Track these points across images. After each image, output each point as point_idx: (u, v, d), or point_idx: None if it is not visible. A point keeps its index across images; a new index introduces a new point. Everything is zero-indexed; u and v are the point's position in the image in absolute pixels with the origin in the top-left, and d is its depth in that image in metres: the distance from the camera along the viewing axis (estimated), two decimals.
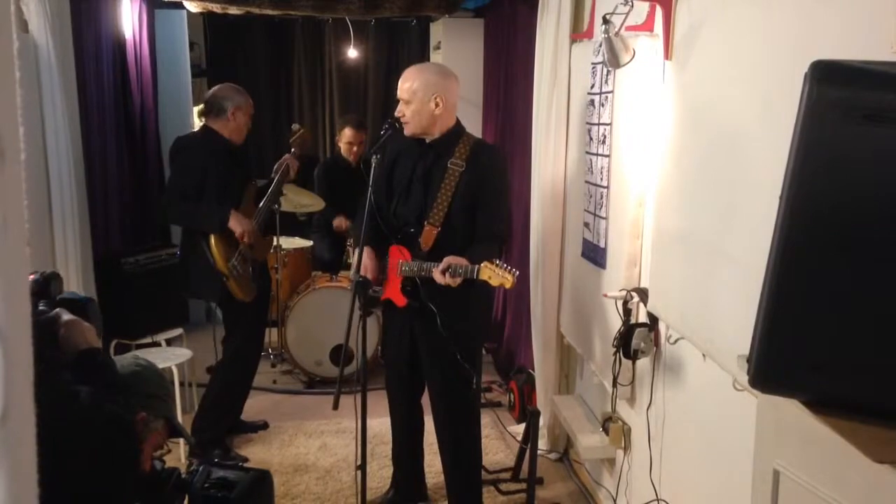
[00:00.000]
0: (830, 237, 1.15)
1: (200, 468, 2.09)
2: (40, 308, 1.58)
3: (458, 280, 2.90)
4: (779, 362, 1.23)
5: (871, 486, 1.14)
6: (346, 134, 5.40)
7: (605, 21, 2.71)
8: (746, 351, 1.46)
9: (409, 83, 3.08)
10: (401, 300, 3.17)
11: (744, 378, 2.01)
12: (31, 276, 1.61)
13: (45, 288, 1.63)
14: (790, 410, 1.32)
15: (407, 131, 3.12)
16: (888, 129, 1.10)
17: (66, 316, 1.46)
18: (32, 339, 1.28)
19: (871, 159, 1.12)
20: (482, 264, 2.85)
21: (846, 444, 1.19)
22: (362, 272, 3.04)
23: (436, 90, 3.05)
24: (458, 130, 3.16)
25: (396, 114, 3.11)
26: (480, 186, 3.09)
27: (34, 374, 1.19)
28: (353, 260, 3.08)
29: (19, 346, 0.46)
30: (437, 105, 3.06)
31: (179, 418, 4.00)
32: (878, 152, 1.11)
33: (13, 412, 0.45)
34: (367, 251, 3.12)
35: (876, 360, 1.16)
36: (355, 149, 5.38)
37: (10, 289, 0.46)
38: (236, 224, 3.76)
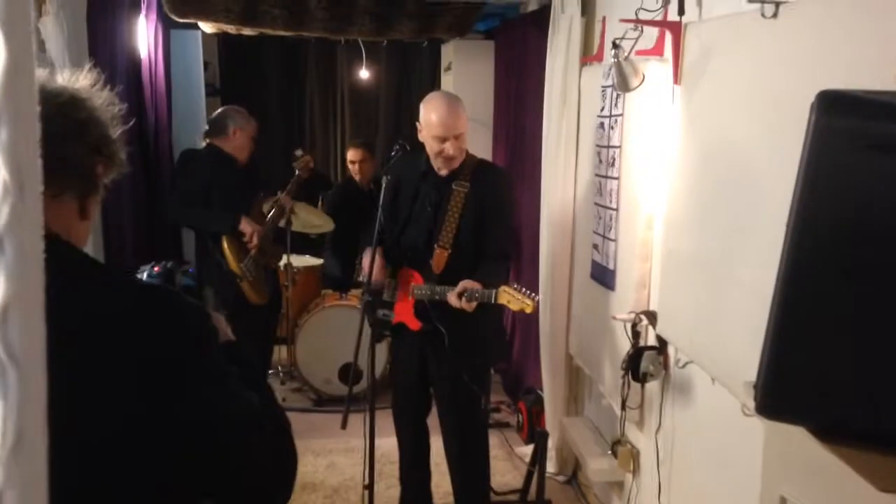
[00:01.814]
0: (837, 264, 1.16)
1: None
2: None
3: (474, 304, 2.90)
4: (786, 389, 1.23)
5: None
6: (349, 153, 5.60)
7: (615, 46, 2.73)
8: (754, 376, 1.46)
9: (455, 118, 2.99)
10: (415, 324, 3.17)
11: (752, 404, 2.01)
12: (157, 269, 1.59)
13: (172, 280, 1.58)
14: (797, 438, 1.32)
15: (449, 168, 3.10)
16: (894, 158, 1.11)
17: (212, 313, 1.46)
18: (223, 342, 1.26)
19: (877, 188, 1.13)
20: (500, 289, 2.85)
21: (852, 472, 1.19)
22: (367, 269, 3.01)
23: (465, 112, 3.09)
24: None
25: (452, 154, 3.03)
26: (485, 206, 3.10)
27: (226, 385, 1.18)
28: (364, 264, 3.06)
29: (35, 370, 0.47)
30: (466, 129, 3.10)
31: None
32: (884, 181, 1.12)
33: (27, 439, 0.46)
34: (376, 254, 3.09)
35: (883, 388, 1.16)
36: (357, 167, 5.47)
37: (27, 315, 0.47)
38: (247, 225, 3.87)
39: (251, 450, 1.22)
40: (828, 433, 1.22)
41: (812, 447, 1.27)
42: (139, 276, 1.50)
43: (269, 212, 4.25)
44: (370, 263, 2.98)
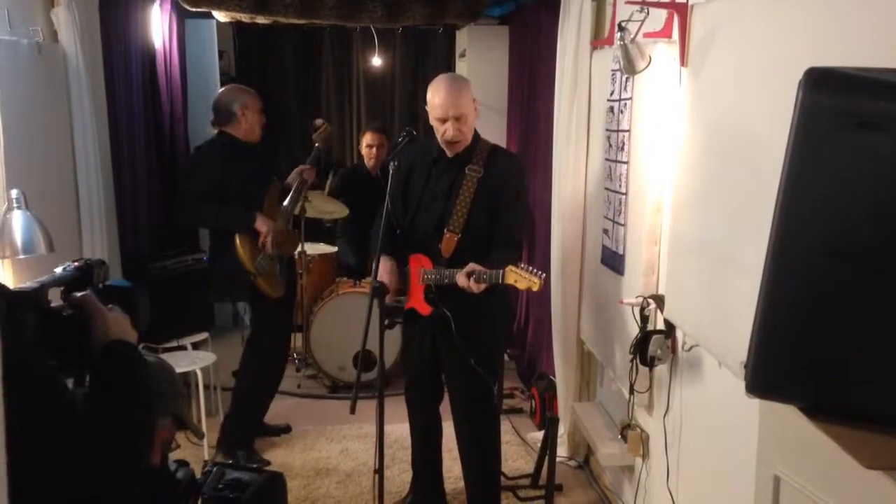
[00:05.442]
0: (823, 243, 1.15)
1: (214, 469, 2.13)
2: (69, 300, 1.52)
3: (483, 286, 2.91)
4: (774, 368, 1.24)
5: (864, 493, 1.13)
6: (366, 137, 5.54)
7: (621, 28, 2.71)
8: None
9: (455, 97, 3.01)
10: (425, 308, 3.18)
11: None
12: (76, 264, 1.61)
13: (88, 275, 1.61)
14: (790, 417, 1.32)
15: (454, 151, 3.12)
16: (880, 135, 1.10)
17: (97, 305, 1.44)
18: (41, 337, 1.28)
19: (862, 166, 1.12)
20: (507, 268, 2.87)
21: (841, 450, 1.19)
22: (381, 277, 3.07)
23: (471, 94, 3.09)
24: (475, 137, 3.18)
25: (452, 137, 3.04)
26: (498, 192, 3.11)
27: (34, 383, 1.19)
28: (373, 268, 3.11)
29: None
30: (475, 109, 3.10)
31: (203, 422, 4.07)
32: (869, 159, 1.11)
33: None
34: (384, 261, 3.14)
35: (869, 365, 1.15)
36: (374, 151, 5.46)
37: None
38: (262, 224, 3.84)
39: (49, 449, 1.23)
40: (816, 411, 1.22)
41: (805, 427, 1.27)
42: (56, 270, 1.52)
43: (289, 192, 4.15)
44: (382, 270, 3.10)
